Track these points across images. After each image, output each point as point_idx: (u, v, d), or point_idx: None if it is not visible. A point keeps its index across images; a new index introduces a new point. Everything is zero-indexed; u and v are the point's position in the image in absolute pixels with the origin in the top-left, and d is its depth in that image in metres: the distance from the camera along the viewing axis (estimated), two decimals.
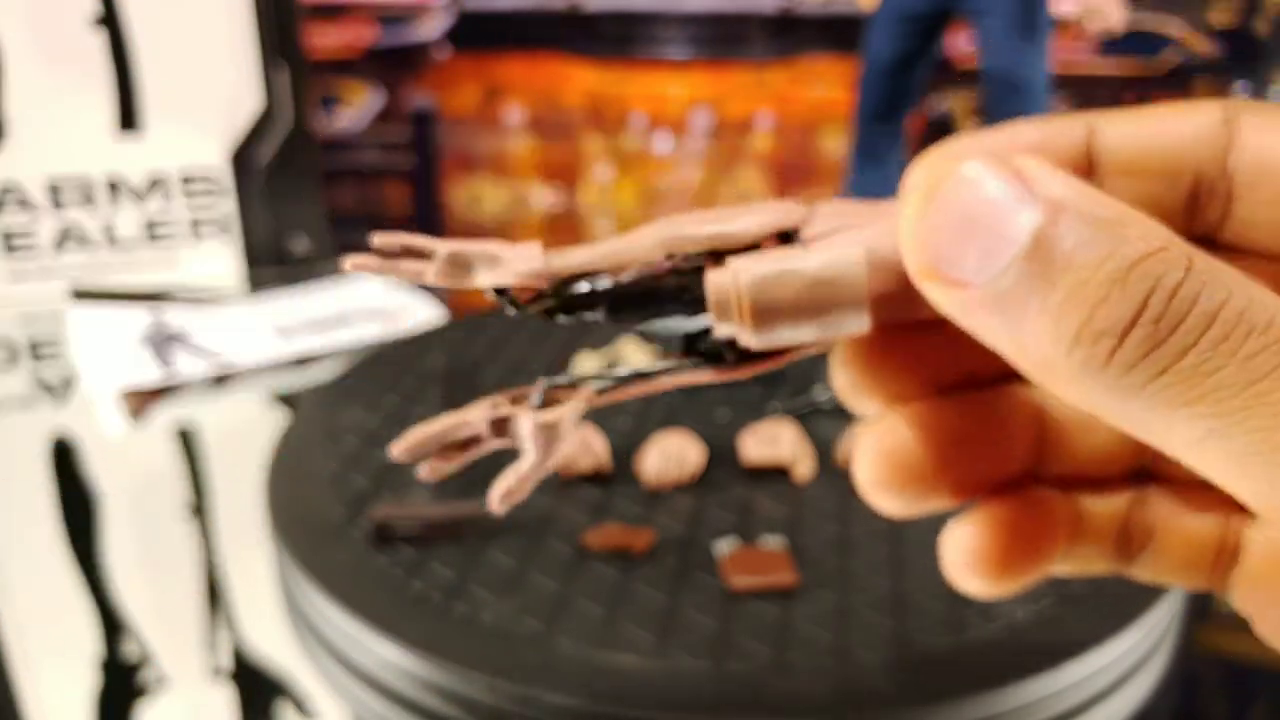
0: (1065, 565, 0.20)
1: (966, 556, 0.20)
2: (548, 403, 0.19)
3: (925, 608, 0.42)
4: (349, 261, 0.19)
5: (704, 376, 0.19)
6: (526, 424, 0.18)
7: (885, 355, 0.20)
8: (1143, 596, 0.42)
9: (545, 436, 0.18)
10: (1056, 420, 0.20)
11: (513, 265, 0.18)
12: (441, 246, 0.19)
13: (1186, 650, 0.46)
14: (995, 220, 0.15)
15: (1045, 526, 0.20)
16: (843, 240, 0.18)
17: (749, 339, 0.18)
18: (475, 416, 0.19)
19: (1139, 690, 0.42)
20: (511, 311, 0.19)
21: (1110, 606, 0.42)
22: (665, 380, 0.19)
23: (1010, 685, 0.37)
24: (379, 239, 0.19)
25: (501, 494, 0.19)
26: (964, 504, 0.20)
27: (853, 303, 0.17)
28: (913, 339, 0.20)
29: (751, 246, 0.18)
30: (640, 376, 0.19)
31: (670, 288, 0.19)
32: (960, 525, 0.20)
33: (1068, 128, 0.19)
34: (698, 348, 0.19)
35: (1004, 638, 0.40)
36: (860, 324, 0.18)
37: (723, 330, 0.18)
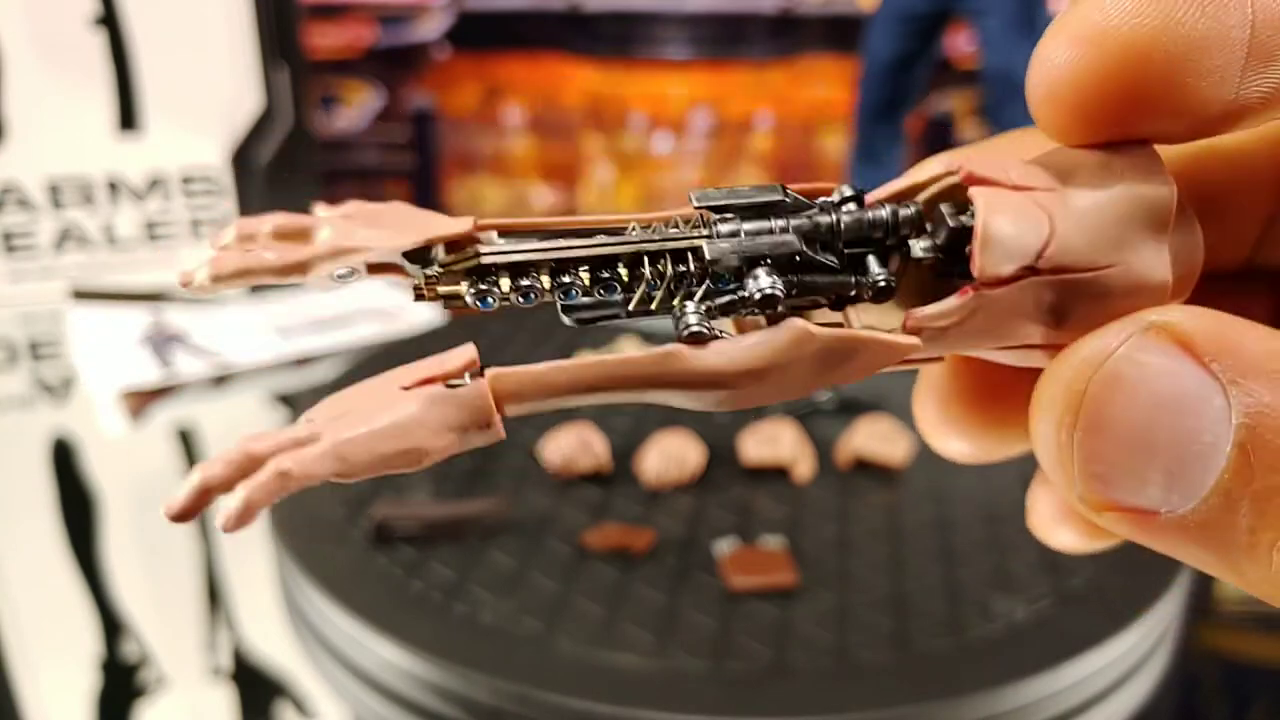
0: None
1: (1056, 509, 0.17)
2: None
3: (925, 608, 0.42)
4: (192, 282, 0.14)
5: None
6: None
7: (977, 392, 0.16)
8: (1143, 596, 0.42)
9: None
10: None
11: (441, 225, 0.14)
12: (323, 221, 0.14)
13: (1186, 650, 0.46)
14: (1178, 431, 0.11)
15: None
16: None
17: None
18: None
19: (1139, 690, 0.42)
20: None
21: (1110, 606, 0.42)
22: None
23: (1010, 685, 0.37)
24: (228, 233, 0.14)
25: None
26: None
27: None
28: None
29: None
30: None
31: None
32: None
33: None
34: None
35: (1004, 638, 0.40)
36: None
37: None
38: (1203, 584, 0.52)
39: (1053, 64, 0.13)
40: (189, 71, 0.88)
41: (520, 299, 0.14)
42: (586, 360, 0.14)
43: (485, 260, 0.14)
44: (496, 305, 0.14)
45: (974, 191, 0.13)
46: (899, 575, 0.44)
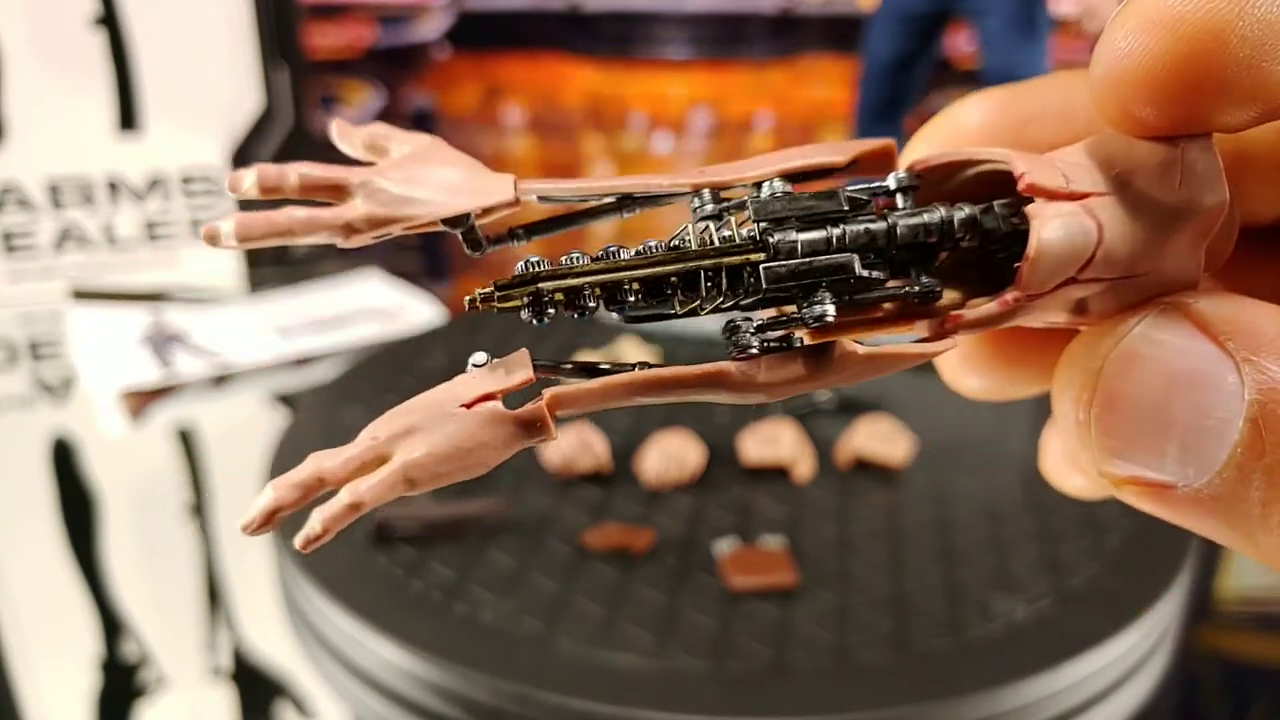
0: None
1: (1068, 454, 0.17)
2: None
3: (925, 608, 0.42)
4: (206, 234, 0.14)
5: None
6: None
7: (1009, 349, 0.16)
8: (1143, 596, 0.42)
9: None
10: None
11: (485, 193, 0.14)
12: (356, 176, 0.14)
13: (1186, 650, 0.46)
14: (1193, 406, 0.12)
15: None
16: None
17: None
18: None
19: (1139, 690, 0.42)
20: (473, 252, 0.15)
21: (1110, 606, 0.42)
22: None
23: (1010, 685, 0.37)
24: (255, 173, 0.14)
25: None
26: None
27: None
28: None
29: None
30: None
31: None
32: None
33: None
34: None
35: (1004, 638, 0.40)
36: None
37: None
38: (1203, 584, 0.52)
39: (1123, 50, 0.12)
40: (189, 71, 0.88)
41: (575, 315, 0.14)
42: (638, 375, 0.14)
43: (544, 287, 0.14)
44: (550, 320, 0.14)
45: (1032, 210, 0.13)
46: (899, 575, 0.44)
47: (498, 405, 0.14)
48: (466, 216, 0.14)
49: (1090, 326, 0.13)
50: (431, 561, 0.45)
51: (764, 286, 0.14)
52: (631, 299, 0.14)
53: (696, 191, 0.15)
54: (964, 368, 0.17)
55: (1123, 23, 0.12)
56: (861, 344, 0.14)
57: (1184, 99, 0.12)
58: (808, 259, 0.14)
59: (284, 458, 0.54)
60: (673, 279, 0.14)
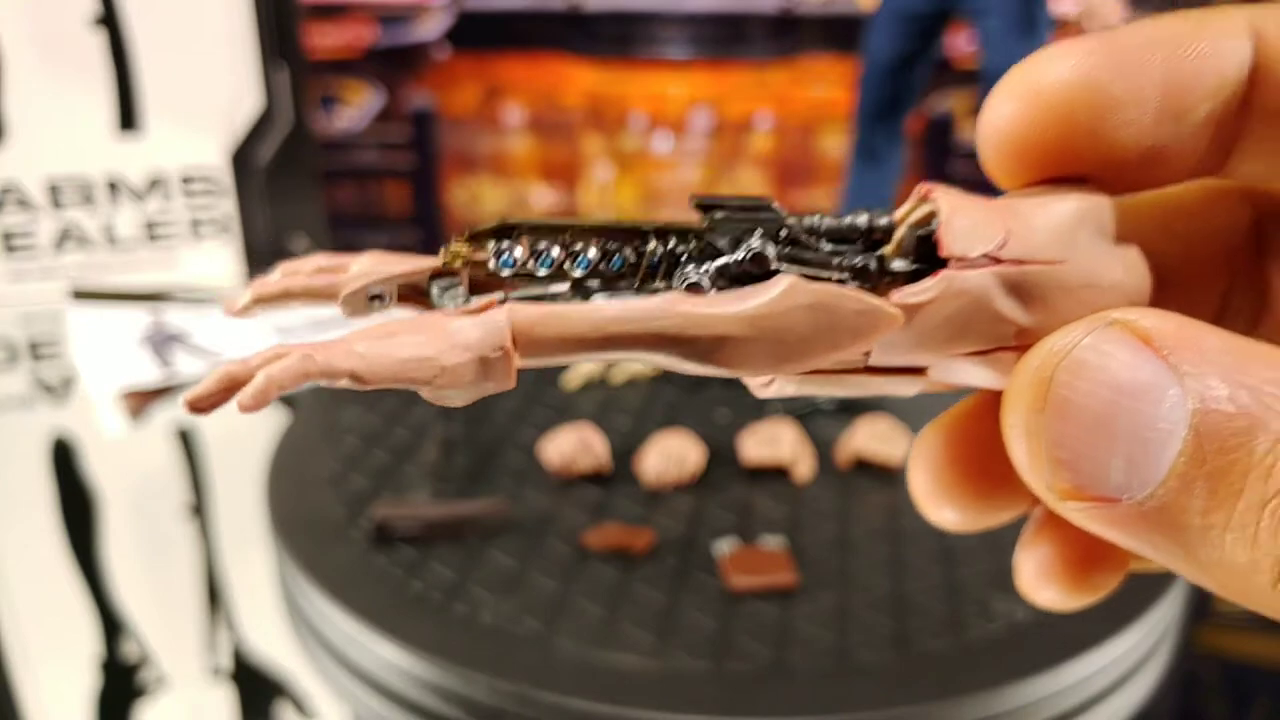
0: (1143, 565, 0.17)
1: (1042, 567, 0.17)
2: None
3: (925, 608, 0.42)
4: (235, 307, 0.16)
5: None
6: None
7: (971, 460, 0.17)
8: (1143, 596, 0.42)
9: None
10: None
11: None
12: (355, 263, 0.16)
13: (1186, 650, 0.46)
14: (1137, 417, 0.12)
15: None
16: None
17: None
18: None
19: (1139, 690, 0.42)
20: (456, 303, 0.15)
21: (1110, 607, 0.42)
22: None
23: (1010, 685, 0.37)
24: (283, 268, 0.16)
25: None
26: (1028, 511, 0.18)
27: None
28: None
29: None
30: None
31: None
32: (1033, 533, 0.17)
33: (1223, 42, 0.14)
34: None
35: (1004, 638, 0.40)
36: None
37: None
38: None
39: (997, 115, 0.15)
40: (189, 71, 0.88)
41: (536, 263, 0.15)
42: (597, 304, 0.14)
43: (510, 221, 0.15)
44: (516, 268, 0.15)
45: (936, 192, 0.15)
46: (899, 575, 0.44)
47: (448, 313, 0.14)
48: (455, 274, 0.16)
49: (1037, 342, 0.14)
50: (431, 561, 0.45)
51: (704, 235, 0.15)
52: (589, 260, 0.15)
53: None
54: (938, 500, 0.17)
55: (998, 94, 0.15)
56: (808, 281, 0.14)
57: (1049, 155, 0.15)
58: (744, 215, 0.15)
59: (284, 458, 0.54)
60: (626, 249, 0.15)
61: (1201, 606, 0.49)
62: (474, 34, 1.41)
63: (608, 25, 1.41)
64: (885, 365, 0.15)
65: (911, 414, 0.57)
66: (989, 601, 0.42)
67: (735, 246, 0.15)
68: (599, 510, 0.49)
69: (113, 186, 0.89)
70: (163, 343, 0.75)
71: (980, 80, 1.66)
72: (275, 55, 0.90)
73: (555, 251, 0.15)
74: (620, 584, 0.43)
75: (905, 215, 0.15)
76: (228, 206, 0.92)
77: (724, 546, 0.45)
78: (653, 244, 0.15)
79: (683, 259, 0.15)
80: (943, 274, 0.14)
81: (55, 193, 0.87)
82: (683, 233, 0.15)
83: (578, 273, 0.15)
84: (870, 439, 0.53)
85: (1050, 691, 0.38)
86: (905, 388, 0.16)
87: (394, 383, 0.14)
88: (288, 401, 0.70)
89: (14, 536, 0.56)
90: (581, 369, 0.63)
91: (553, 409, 0.59)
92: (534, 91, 1.46)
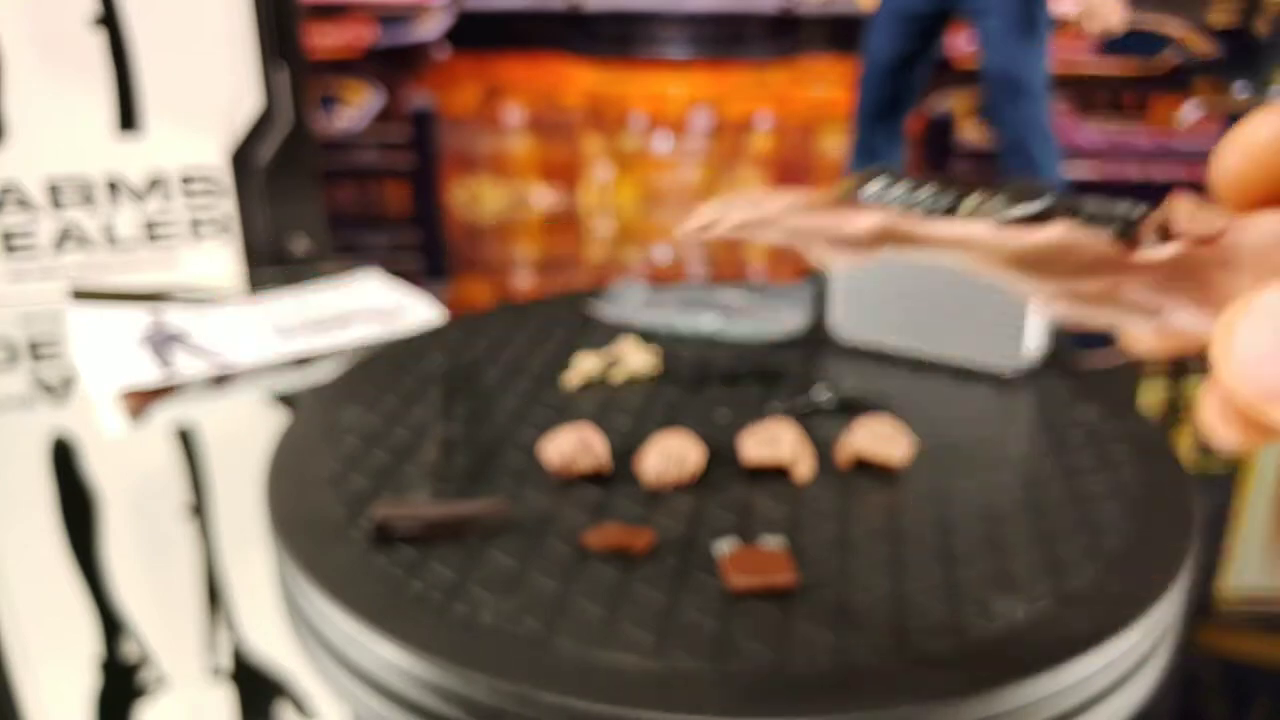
0: None
1: (1221, 410, 0.20)
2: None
3: (925, 608, 0.42)
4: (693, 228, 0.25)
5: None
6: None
7: None
8: (1143, 596, 0.42)
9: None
10: None
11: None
12: None
13: (1186, 650, 0.46)
14: None
15: None
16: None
17: None
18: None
19: (1139, 690, 0.42)
20: None
21: (1110, 606, 0.42)
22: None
23: (1010, 685, 0.37)
24: None
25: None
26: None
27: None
28: None
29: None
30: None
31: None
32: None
33: None
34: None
35: (1004, 638, 0.40)
36: None
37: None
38: (1203, 584, 0.52)
39: (1223, 167, 0.20)
40: (189, 71, 0.88)
41: (909, 195, 0.22)
42: (949, 220, 0.22)
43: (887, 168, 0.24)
44: (886, 198, 0.23)
45: (1174, 198, 0.20)
46: (899, 575, 0.44)
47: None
48: None
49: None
50: (431, 561, 0.45)
51: (1016, 193, 0.22)
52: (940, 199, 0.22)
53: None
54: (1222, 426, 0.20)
55: (1225, 145, 0.20)
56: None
57: (1261, 192, 0.20)
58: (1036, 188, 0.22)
59: (284, 458, 0.54)
60: (966, 195, 0.22)
61: (1201, 606, 0.50)
62: (474, 34, 1.41)
63: (608, 25, 1.41)
64: (1135, 305, 0.21)
65: (912, 414, 0.57)
66: (989, 601, 0.42)
67: (1030, 201, 0.22)
68: (599, 510, 0.49)
69: (113, 186, 0.89)
70: (163, 343, 0.75)
71: (980, 80, 1.66)
72: (275, 55, 0.90)
73: (921, 192, 0.22)
74: (620, 584, 0.43)
75: (1149, 210, 0.21)
76: (228, 206, 0.92)
77: (724, 546, 0.45)
78: (978, 196, 0.22)
79: (993, 204, 0.22)
80: (1176, 241, 0.20)
81: (55, 193, 0.87)
82: (993, 190, 0.22)
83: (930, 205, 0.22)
84: (870, 439, 0.53)
85: (1050, 691, 0.38)
86: (1142, 329, 0.21)
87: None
88: (288, 401, 0.70)
89: (14, 536, 0.56)
90: (582, 369, 0.63)
91: (553, 409, 0.59)
92: (534, 91, 1.46)
